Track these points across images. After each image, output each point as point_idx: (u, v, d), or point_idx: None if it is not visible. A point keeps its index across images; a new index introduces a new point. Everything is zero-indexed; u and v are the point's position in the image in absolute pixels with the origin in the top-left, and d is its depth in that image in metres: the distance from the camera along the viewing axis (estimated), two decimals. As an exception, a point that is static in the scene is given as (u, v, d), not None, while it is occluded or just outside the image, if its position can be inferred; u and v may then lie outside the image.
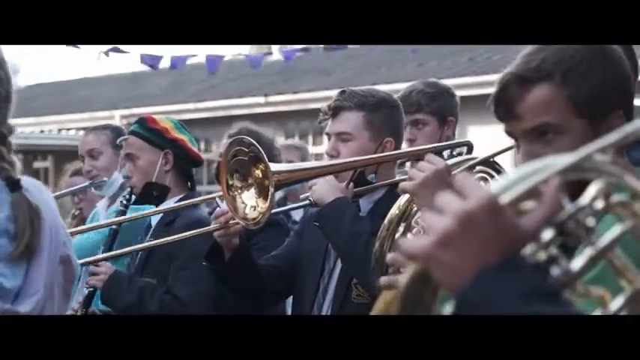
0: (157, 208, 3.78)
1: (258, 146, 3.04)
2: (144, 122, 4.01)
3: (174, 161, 3.95)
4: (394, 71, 15.32)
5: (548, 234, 1.42)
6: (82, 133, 6.06)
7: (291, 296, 3.47)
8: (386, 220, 2.52)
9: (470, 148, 3.30)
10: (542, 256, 1.44)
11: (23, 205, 2.07)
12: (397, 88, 4.26)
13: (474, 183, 1.38)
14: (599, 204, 1.46)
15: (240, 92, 16.65)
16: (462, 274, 1.32)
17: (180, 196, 3.96)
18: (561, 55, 2.02)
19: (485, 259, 1.32)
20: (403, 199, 2.52)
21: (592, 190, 1.46)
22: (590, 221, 1.46)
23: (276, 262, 3.39)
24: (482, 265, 1.32)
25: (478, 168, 2.62)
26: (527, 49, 2.08)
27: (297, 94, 15.61)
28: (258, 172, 3.06)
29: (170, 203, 3.91)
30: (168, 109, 15.92)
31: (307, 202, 3.23)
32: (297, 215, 5.16)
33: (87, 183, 4.61)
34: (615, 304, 1.50)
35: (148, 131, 3.97)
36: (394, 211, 2.53)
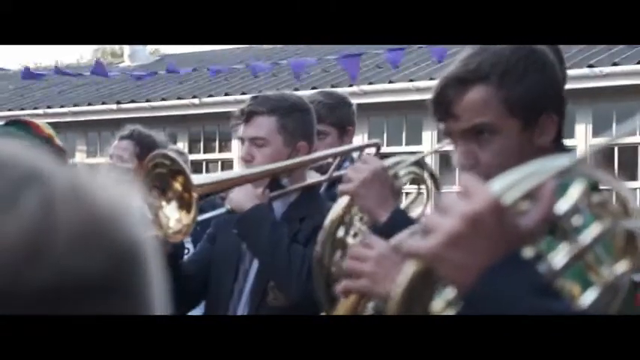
0: None
1: (179, 160, 3.06)
2: (29, 128, 3.88)
3: None
4: (247, 81, 15.35)
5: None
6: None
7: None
8: (326, 222, 2.53)
9: (378, 148, 3.39)
10: (529, 253, 1.53)
11: None
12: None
13: (478, 184, 1.44)
14: (582, 204, 1.55)
15: (90, 99, 16.36)
16: (469, 271, 1.37)
17: None
18: (498, 57, 2.09)
19: (491, 257, 1.38)
20: (342, 202, 2.53)
21: (575, 190, 1.55)
22: (577, 220, 1.55)
23: (189, 267, 3.38)
24: (488, 263, 1.38)
25: (410, 169, 2.68)
26: (465, 52, 2.16)
27: (150, 102, 15.45)
28: (177, 185, 3.06)
29: None
30: (18, 114, 15.49)
31: (224, 210, 3.25)
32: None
33: None
34: (587, 298, 1.59)
35: (38, 139, 3.87)
36: (333, 215, 2.53)
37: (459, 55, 2.16)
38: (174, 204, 3.06)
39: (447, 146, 2.28)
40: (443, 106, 2.10)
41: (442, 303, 1.53)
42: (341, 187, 2.53)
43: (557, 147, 2.10)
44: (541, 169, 1.50)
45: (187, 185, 3.02)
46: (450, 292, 1.52)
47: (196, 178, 3.07)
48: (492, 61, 2.08)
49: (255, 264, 3.24)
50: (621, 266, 1.57)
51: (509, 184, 1.47)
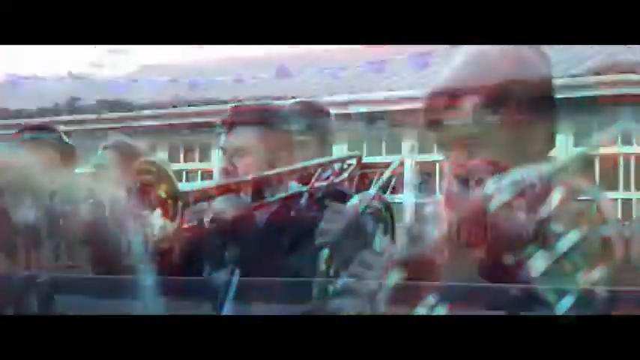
0: None
1: (165, 167, 3.07)
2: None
3: None
4: (227, 91, 15.35)
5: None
6: None
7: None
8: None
9: (359, 159, 3.41)
10: (510, 260, 1.55)
11: None
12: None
13: (462, 191, 1.47)
14: (562, 211, 1.58)
15: (72, 109, 16.35)
16: (454, 276, 1.41)
17: None
18: (489, 66, 2.07)
19: (476, 262, 1.41)
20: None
21: (556, 197, 1.57)
22: (557, 226, 1.58)
23: None
24: (474, 267, 1.41)
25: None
26: (455, 59, 2.13)
27: (132, 111, 15.45)
28: (162, 192, 3.06)
29: None
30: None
31: (207, 219, 3.25)
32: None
33: None
34: (565, 304, 1.62)
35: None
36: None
37: (448, 64, 2.14)
38: (159, 211, 3.06)
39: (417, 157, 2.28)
40: (433, 117, 2.08)
41: (427, 310, 1.55)
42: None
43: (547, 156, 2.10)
44: (524, 176, 1.53)
45: (173, 193, 3.03)
46: (433, 299, 1.54)
47: (182, 186, 3.07)
48: (484, 70, 2.06)
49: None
50: (598, 273, 1.59)
51: (493, 191, 1.49)
